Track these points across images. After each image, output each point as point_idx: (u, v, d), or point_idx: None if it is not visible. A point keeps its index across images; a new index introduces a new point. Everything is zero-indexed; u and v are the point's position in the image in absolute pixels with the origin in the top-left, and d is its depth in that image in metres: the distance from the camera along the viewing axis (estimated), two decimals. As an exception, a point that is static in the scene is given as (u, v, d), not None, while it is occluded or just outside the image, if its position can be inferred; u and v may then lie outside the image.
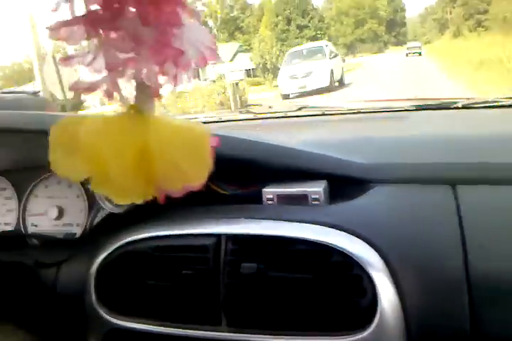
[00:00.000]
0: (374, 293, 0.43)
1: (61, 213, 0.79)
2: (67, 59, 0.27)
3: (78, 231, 0.77)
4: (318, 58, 11.94)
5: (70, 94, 4.62)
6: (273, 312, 0.47)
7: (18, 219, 0.81)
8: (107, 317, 0.53)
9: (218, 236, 0.50)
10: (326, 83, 10.83)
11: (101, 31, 0.25)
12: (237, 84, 8.04)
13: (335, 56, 12.37)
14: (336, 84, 11.92)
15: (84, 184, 0.78)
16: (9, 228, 0.81)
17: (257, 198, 0.59)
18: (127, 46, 0.25)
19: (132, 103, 0.28)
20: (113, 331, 0.53)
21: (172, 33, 0.25)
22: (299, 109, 1.19)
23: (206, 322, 0.49)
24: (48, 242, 0.75)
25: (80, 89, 0.28)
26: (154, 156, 0.27)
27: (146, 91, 0.28)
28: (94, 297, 0.54)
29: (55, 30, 0.25)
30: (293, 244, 0.48)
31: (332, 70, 11.31)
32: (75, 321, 0.56)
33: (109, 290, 0.54)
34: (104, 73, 0.27)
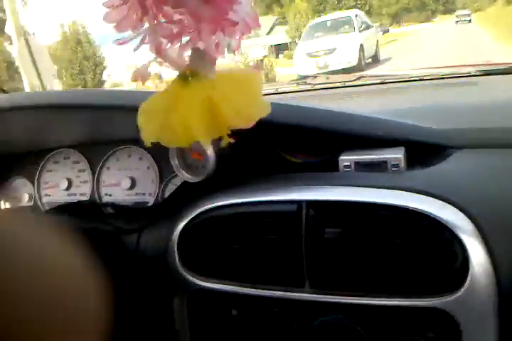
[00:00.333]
0: (465, 257, 0.43)
1: (133, 183, 0.82)
2: (123, 40, 0.27)
3: (150, 200, 0.80)
4: (345, 31, 10.37)
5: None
6: (357, 275, 0.48)
7: (93, 189, 0.85)
8: (191, 278, 0.55)
9: (299, 202, 0.51)
10: (354, 61, 9.30)
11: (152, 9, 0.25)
12: (261, 60, 7.75)
13: (367, 28, 10.66)
14: (369, 60, 10.44)
15: (155, 156, 0.81)
16: (85, 198, 0.85)
17: (330, 166, 0.59)
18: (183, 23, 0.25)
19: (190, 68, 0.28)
20: (197, 292, 0.55)
21: (231, 9, 0.25)
22: (358, 78, 1.17)
23: (289, 284, 0.50)
24: (124, 211, 0.78)
25: (142, 76, 0.28)
26: (219, 107, 0.27)
27: (204, 59, 0.28)
28: (177, 260, 0.57)
29: (110, 11, 0.25)
30: (376, 210, 0.48)
31: (362, 45, 9.76)
32: (158, 283, 0.59)
33: (191, 253, 0.56)
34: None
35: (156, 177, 0.80)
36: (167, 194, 0.79)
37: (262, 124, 0.29)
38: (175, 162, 0.63)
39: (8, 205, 0.94)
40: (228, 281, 0.54)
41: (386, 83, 1.11)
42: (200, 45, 0.26)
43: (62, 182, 0.87)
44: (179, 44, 0.26)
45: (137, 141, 0.82)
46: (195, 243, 0.56)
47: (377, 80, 1.14)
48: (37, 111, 0.77)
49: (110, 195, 0.84)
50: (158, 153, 0.81)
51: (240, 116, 0.28)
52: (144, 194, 0.81)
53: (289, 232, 0.50)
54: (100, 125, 0.82)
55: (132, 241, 0.64)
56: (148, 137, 0.28)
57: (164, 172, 0.80)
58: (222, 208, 0.55)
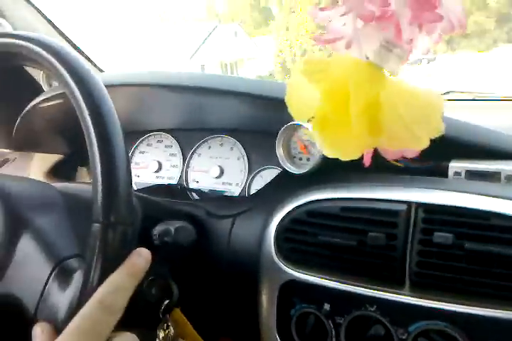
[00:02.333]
0: None
1: (221, 172, 0.84)
2: (322, 9, 0.28)
3: (236, 190, 0.82)
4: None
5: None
6: (462, 282, 0.47)
7: (182, 174, 0.88)
8: (286, 269, 0.56)
9: (409, 203, 0.50)
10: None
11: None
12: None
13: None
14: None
15: (246, 147, 0.83)
16: (173, 182, 0.88)
17: (435, 172, 0.59)
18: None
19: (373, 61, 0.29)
20: (290, 283, 0.56)
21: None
22: (447, 92, 1.14)
23: (388, 285, 0.50)
24: (212, 198, 0.80)
25: (323, 41, 0.29)
26: (384, 111, 0.27)
27: (395, 52, 0.28)
28: (273, 249, 0.57)
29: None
30: (490, 219, 0.47)
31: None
32: (249, 270, 0.60)
33: (288, 244, 0.57)
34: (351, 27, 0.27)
35: (245, 168, 0.82)
36: (254, 186, 0.81)
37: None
38: (280, 152, 0.64)
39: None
40: (324, 275, 0.54)
41: (476, 100, 1.09)
42: (392, 35, 0.26)
43: (153, 164, 0.91)
44: (372, 29, 0.27)
45: (231, 131, 0.84)
46: (292, 233, 0.57)
47: (467, 97, 1.12)
48: (140, 90, 0.80)
49: (197, 182, 0.87)
50: (250, 145, 0.83)
51: (403, 130, 0.27)
52: (230, 184, 0.83)
53: (395, 232, 0.50)
54: (198, 111, 0.84)
55: (225, 227, 0.65)
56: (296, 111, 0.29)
57: (253, 164, 0.82)
58: (326, 202, 0.55)
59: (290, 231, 0.57)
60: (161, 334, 0.57)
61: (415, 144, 0.28)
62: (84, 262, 0.43)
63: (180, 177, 0.88)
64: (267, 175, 0.80)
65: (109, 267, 0.39)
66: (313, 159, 0.61)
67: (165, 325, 0.57)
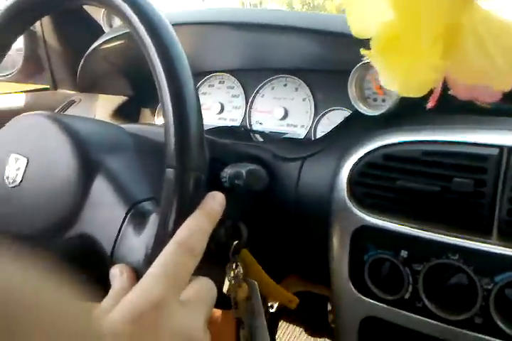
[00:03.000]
0: None
1: (286, 114, 0.81)
2: None
3: (302, 132, 0.79)
4: None
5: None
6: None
7: (244, 115, 0.85)
8: (359, 214, 0.54)
9: (501, 147, 0.46)
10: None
11: None
12: None
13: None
14: None
15: (312, 88, 0.78)
16: (235, 124, 0.86)
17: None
18: None
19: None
20: (364, 228, 0.54)
21: None
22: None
23: (473, 233, 0.47)
24: (278, 140, 0.78)
25: None
26: (465, 37, 0.23)
27: None
28: (346, 194, 0.55)
29: None
30: None
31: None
32: (319, 215, 0.59)
33: (363, 188, 0.54)
34: None
35: (310, 109, 0.78)
36: (320, 128, 0.78)
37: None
38: (352, 92, 0.60)
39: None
40: (400, 221, 0.52)
41: None
42: None
43: (215, 106, 0.89)
44: None
45: (296, 71, 0.80)
46: (367, 178, 0.54)
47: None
48: (200, 29, 0.76)
49: (261, 124, 0.84)
50: (317, 86, 0.79)
51: (486, 63, 0.23)
52: (295, 126, 0.80)
53: (485, 177, 0.46)
54: (261, 50, 0.80)
55: (294, 170, 0.63)
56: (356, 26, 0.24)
57: (319, 105, 0.78)
58: (406, 145, 0.52)
59: (364, 176, 0.54)
60: (231, 274, 0.58)
61: (498, 81, 0.24)
62: (158, 205, 0.43)
63: (243, 118, 0.86)
64: (334, 117, 0.76)
65: (185, 211, 0.38)
66: (390, 100, 0.56)
67: (234, 264, 0.58)
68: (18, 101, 1.07)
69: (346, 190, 0.56)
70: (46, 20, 0.99)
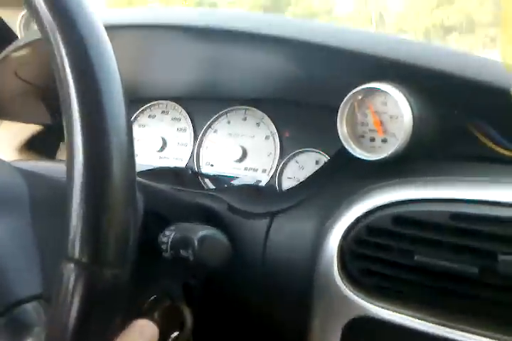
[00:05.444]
0: None
1: (244, 155, 0.67)
2: None
3: (264, 178, 0.65)
4: None
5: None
6: None
7: (192, 155, 0.71)
8: (356, 299, 0.38)
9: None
10: None
11: None
12: None
13: None
14: None
15: (278, 123, 0.65)
16: (180, 165, 0.71)
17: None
18: None
19: None
20: (361, 320, 0.38)
21: None
22: None
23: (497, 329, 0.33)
24: (235, 188, 0.62)
25: None
26: None
27: None
28: (336, 270, 0.40)
29: None
30: None
31: None
32: (291, 297, 0.43)
33: (361, 263, 0.39)
34: None
35: (275, 149, 0.65)
36: (287, 174, 0.64)
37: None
38: (343, 129, 0.45)
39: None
40: (415, 313, 0.36)
41: None
42: None
43: (156, 142, 0.75)
44: None
45: (258, 102, 0.66)
46: (367, 249, 0.39)
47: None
48: (138, 37, 0.60)
49: (212, 165, 0.70)
50: (284, 121, 0.65)
51: None
52: (255, 170, 0.67)
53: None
54: (216, 70, 0.66)
55: (259, 230, 0.47)
56: None
57: (286, 145, 0.64)
58: (424, 203, 0.37)
59: (364, 245, 0.39)
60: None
61: None
62: (48, 307, 0.25)
63: (191, 158, 0.72)
64: (304, 161, 0.63)
65: None
66: (395, 140, 0.42)
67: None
68: None
69: (336, 264, 0.40)
70: None
